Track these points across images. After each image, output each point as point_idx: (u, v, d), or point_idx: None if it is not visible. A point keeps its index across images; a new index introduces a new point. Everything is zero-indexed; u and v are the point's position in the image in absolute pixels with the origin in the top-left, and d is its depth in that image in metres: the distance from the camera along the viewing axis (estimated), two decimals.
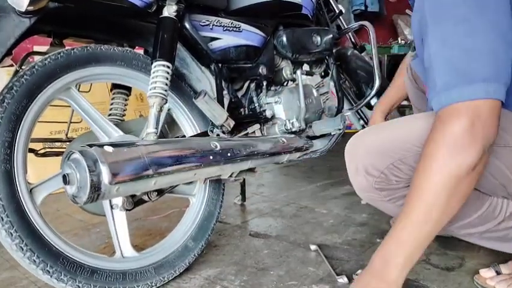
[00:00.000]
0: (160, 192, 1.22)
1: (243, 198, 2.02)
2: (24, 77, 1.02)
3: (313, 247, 1.43)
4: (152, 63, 1.17)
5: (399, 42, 4.65)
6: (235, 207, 1.96)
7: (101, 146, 0.91)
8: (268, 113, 1.50)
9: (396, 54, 4.45)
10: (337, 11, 1.91)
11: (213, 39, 1.36)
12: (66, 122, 1.72)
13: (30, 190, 1.04)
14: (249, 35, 1.46)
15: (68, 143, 1.67)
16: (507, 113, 0.81)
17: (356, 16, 4.52)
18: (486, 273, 1.12)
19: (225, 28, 1.39)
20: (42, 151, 1.67)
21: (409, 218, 0.82)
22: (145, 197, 1.19)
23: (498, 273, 1.11)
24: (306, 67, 1.73)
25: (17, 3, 0.94)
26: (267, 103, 1.54)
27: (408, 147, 0.91)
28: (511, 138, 0.84)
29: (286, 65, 1.64)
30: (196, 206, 1.37)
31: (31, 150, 1.61)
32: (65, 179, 0.90)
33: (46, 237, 1.01)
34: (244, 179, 1.95)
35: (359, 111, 2.03)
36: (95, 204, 1.22)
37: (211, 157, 1.11)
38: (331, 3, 1.91)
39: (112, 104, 1.41)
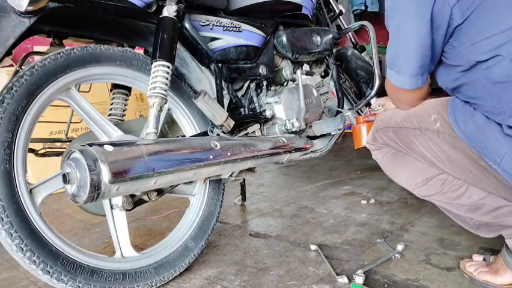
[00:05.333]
0: (160, 192, 1.22)
1: (243, 198, 2.02)
2: (24, 77, 1.02)
3: (313, 247, 1.43)
4: (152, 63, 1.17)
5: None
6: (235, 207, 1.96)
7: (101, 145, 0.91)
8: (268, 113, 1.50)
9: None
10: (337, 11, 1.91)
11: (213, 39, 1.36)
12: (66, 122, 1.72)
13: (30, 190, 1.04)
14: (249, 35, 1.46)
15: (68, 143, 1.67)
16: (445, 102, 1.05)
17: (356, 16, 4.52)
18: (476, 257, 1.26)
19: (225, 28, 1.39)
20: (42, 151, 1.67)
21: None
22: (145, 197, 1.19)
23: (484, 259, 1.24)
24: (306, 67, 1.73)
25: (17, 3, 0.94)
26: (267, 103, 1.54)
27: None
28: (440, 125, 1.03)
29: (286, 65, 1.64)
30: (196, 206, 1.37)
31: (31, 150, 1.61)
32: (65, 178, 0.90)
33: (46, 237, 1.01)
34: (244, 179, 1.95)
35: (359, 111, 2.03)
36: (95, 204, 1.23)
37: (211, 157, 1.11)
38: (331, 3, 1.91)
39: (112, 104, 1.41)
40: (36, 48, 2.45)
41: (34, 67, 1.03)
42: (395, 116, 1.15)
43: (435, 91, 1.23)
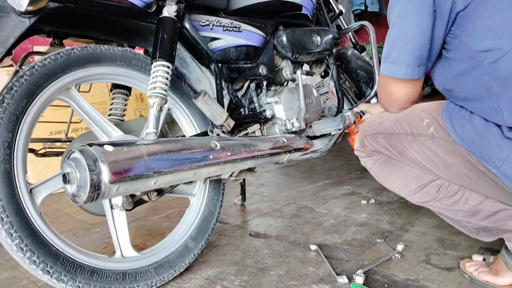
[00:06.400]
0: (160, 192, 1.22)
1: (243, 198, 2.02)
2: (24, 77, 1.02)
3: (313, 247, 1.43)
4: (152, 63, 1.17)
5: None
6: (235, 207, 1.96)
7: (101, 145, 0.91)
8: (268, 113, 1.50)
9: None
10: (337, 11, 1.91)
11: (213, 39, 1.36)
12: (66, 122, 1.72)
13: (30, 190, 1.04)
14: (249, 35, 1.46)
15: (68, 143, 1.67)
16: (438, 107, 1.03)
17: (356, 16, 4.52)
18: (476, 257, 1.25)
19: (225, 28, 1.39)
20: (42, 151, 1.67)
21: None
22: (145, 197, 1.19)
23: (484, 259, 1.23)
24: (306, 67, 1.73)
25: (17, 3, 0.94)
26: (267, 103, 1.54)
27: None
28: (434, 130, 1.02)
29: (286, 65, 1.64)
30: (196, 206, 1.37)
31: (31, 150, 1.61)
32: (65, 178, 0.90)
33: (46, 237, 1.01)
34: (244, 179, 1.95)
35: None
36: (95, 204, 1.23)
37: (211, 157, 1.11)
38: (331, 3, 1.91)
39: (112, 104, 1.41)
40: (36, 48, 2.45)
41: (34, 67, 1.03)
42: (384, 122, 1.12)
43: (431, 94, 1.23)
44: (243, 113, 1.50)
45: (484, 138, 0.93)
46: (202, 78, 1.40)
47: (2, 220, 0.95)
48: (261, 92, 1.56)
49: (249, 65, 1.48)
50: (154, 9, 1.17)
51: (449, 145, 0.99)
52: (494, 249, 1.25)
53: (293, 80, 1.65)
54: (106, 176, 0.88)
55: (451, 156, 1.00)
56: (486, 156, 0.93)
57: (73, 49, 1.12)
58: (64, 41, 1.30)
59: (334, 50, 1.85)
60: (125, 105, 1.43)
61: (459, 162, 1.00)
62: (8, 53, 1.02)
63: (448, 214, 1.14)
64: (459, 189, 1.06)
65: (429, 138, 1.03)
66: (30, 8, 0.95)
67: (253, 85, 1.55)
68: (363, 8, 4.46)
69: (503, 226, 1.05)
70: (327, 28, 1.77)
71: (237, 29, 1.42)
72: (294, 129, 1.51)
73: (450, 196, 1.08)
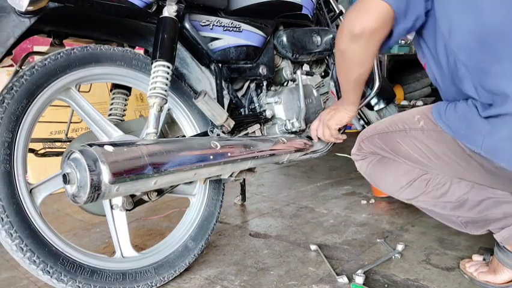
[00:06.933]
0: (160, 192, 1.22)
1: (243, 198, 2.02)
2: (24, 77, 1.02)
3: (313, 247, 1.43)
4: (152, 63, 1.17)
5: (399, 42, 4.64)
6: (235, 207, 1.96)
7: (101, 145, 0.91)
8: (268, 113, 1.50)
9: (396, 54, 4.44)
10: (337, 11, 1.91)
11: (213, 39, 1.36)
12: (66, 122, 1.72)
13: (30, 190, 1.04)
14: (249, 35, 1.45)
15: (68, 143, 1.67)
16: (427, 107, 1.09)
17: None
18: (476, 257, 1.27)
19: (225, 28, 1.39)
20: (42, 151, 1.67)
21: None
22: (145, 197, 1.19)
23: (484, 259, 1.24)
24: (306, 67, 1.73)
25: (17, 3, 0.94)
26: (267, 103, 1.54)
27: None
28: (424, 123, 1.08)
29: (286, 65, 1.64)
30: (196, 206, 1.37)
31: (31, 150, 1.61)
32: (65, 179, 0.90)
33: (46, 237, 1.01)
34: (244, 179, 1.95)
35: (359, 111, 2.03)
36: (95, 204, 1.23)
37: (211, 157, 1.11)
38: (331, 3, 1.91)
39: (112, 104, 1.41)
40: (36, 48, 2.45)
41: (34, 67, 1.03)
42: (380, 124, 1.20)
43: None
44: (243, 113, 1.50)
45: (467, 120, 0.98)
46: (202, 78, 1.40)
47: (2, 220, 0.95)
48: (261, 92, 1.56)
49: (249, 65, 1.48)
50: (154, 9, 1.17)
51: (438, 134, 1.05)
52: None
53: (293, 80, 1.65)
54: (106, 176, 0.88)
55: (440, 145, 1.06)
56: (470, 137, 0.97)
57: (73, 49, 1.12)
58: (64, 41, 1.30)
59: (334, 50, 1.85)
60: (125, 105, 1.43)
61: (448, 149, 1.05)
62: (8, 53, 1.02)
63: (436, 209, 1.17)
64: (446, 182, 1.12)
65: (420, 131, 1.09)
66: (31, 8, 0.95)
67: (253, 85, 1.55)
68: None
69: (488, 215, 1.09)
70: (327, 28, 1.77)
71: (237, 29, 1.42)
72: (294, 129, 1.52)
73: (438, 188, 1.13)
